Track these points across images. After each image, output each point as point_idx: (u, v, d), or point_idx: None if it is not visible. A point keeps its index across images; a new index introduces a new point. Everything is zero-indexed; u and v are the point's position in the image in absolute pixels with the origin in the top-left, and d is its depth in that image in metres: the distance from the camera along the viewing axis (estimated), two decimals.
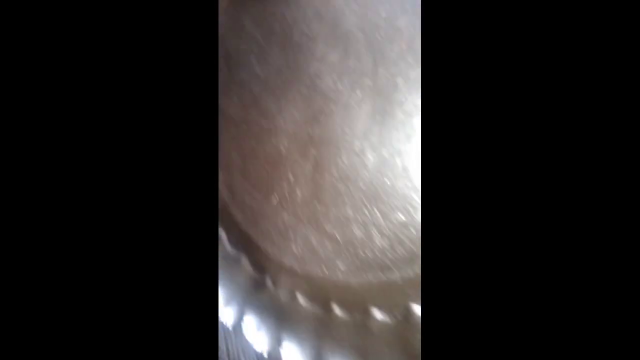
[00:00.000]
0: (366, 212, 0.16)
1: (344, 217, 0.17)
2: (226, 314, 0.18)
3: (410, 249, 0.15)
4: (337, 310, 0.17)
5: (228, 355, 0.18)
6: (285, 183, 0.18)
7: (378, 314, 0.16)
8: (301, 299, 0.18)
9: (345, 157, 0.17)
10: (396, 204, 0.16)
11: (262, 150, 0.19)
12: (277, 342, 0.17)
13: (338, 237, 0.17)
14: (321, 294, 0.17)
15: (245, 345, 0.17)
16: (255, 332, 0.18)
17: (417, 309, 0.15)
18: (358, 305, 0.16)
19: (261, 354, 0.17)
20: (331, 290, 0.17)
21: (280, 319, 0.18)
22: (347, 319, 0.17)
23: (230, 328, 0.18)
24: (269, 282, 0.19)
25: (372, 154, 0.16)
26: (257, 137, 0.19)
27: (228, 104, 0.19)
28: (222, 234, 0.20)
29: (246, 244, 0.19)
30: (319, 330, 0.17)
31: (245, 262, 0.19)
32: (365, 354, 0.15)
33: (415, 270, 0.15)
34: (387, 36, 0.16)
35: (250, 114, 0.19)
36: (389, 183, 0.16)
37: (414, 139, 0.15)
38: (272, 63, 0.18)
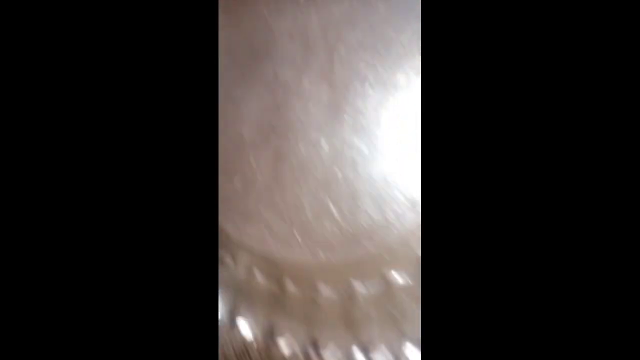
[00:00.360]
0: (318, 199, 0.18)
1: (299, 203, 0.18)
2: None
3: (354, 233, 0.17)
4: (290, 286, 0.19)
5: None
6: (248, 169, 0.19)
7: (325, 290, 0.18)
8: (258, 276, 0.19)
9: (302, 147, 0.18)
10: (344, 192, 0.18)
11: (227, 136, 0.20)
12: (234, 314, 0.19)
13: (293, 221, 0.19)
14: (276, 271, 0.19)
15: None
16: (228, 311, 0.19)
17: (357, 284, 0.17)
18: (308, 282, 0.18)
19: (219, 323, 0.19)
20: (285, 268, 0.19)
21: (238, 293, 0.19)
22: (297, 294, 0.19)
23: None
24: (229, 260, 0.20)
25: (325, 145, 0.18)
26: (223, 122, 0.20)
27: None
28: None
29: None
30: (272, 303, 0.19)
31: None
32: (313, 325, 0.18)
33: (357, 252, 0.17)
34: (342, 34, 0.17)
35: (221, 98, 0.20)
36: (339, 173, 0.18)
37: (361, 133, 0.17)
38: (239, 52, 0.19)
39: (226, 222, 0.20)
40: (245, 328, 0.19)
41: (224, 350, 0.19)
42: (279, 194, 0.19)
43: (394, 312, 0.16)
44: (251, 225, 0.20)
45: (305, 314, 0.18)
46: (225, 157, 0.20)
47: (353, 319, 0.17)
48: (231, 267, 0.20)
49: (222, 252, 0.20)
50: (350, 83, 0.17)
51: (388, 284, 0.17)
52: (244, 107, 0.19)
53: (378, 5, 0.16)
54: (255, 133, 0.19)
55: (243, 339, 0.19)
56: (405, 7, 0.16)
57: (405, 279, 0.17)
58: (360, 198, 0.17)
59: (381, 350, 0.16)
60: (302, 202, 0.18)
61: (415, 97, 0.16)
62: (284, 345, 0.18)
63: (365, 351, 0.16)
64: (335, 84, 0.17)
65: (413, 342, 0.15)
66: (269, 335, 0.18)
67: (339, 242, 0.18)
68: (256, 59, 0.19)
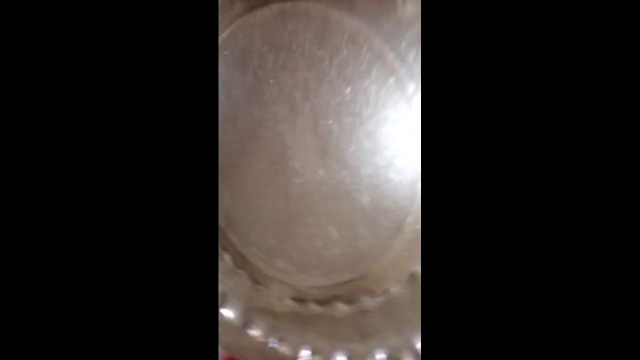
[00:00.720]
0: (325, 229, 0.21)
1: (310, 234, 0.22)
2: (234, 315, 0.24)
3: (355, 254, 0.20)
4: (313, 306, 0.22)
5: (236, 348, 0.24)
6: (266, 210, 0.23)
7: (340, 305, 0.21)
8: (287, 301, 0.23)
9: (306, 187, 0.22)
10: (344, 221, 0.21)
11: (245, 186, 0.24)
12: (272, 334, 0.23)
13: (308, 251, 0.22)
14: (301, 295, 0.23)
15: (250, 339, 0.23)
16: (256, 327, 0.23)
17: (365, 298, 0.20)
18: (326, 300, 0.22)
19: (262, 344, 0.23)
20: (307, 291, 0.22)
21: (274, 317, 0.23)
22: (320, 311, 0.22)
23: (240, 326, 0.24)
24: (263, 290, 0.24)
25: (323, 183, 0.21)
26: (241, 175, 0.24)
27: (220, 149, 0.24)
28: (225, 254, 0.26)
29: (242, 261, 0.25)
30: (301, 321, 0.22)
31: (244, 275, 0.25)
32: (334, 334, 0.21)
33: (361, 270, 0.20)
34: (321, 92, 0.20)
35: (234, 157, 0.24)
36: (336, 205, 0.21)
37: (348, 170, 0.20)
38: (243, 116, 0.23)
39: (255, 259, 0.24)
40: (282, 346, 0.22)
41: None
42: (293, 229, 0.22)
43: (398, 320, 0.19)
44: (276, 259, 0.23)
45: (327, 327, 0.21)
46: (247, 204, 0.24)
47: (363, 324, 0.20)
48: (267, 295, 0.24)
49: (257, 285, 0.24)
50: (332, 131, 0.20)
51: (390, 296, 0.19)
52: (254, 160, 0.23)
53: (346, 67, 0.20)
54: (267, 181, 0.23)
55: (279, 356, 0.22)
56: (376, 60, 0.19)
57: (402, 290, 0.19)
58: (357, 225, 0.20)
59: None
60: (313, 233, 0.22)
61: (388, 137, 0.19)
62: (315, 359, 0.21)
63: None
64: (319, 134, 0.21)
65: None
66: (300, 351, 0.21)
67: (345, 264, 0.21)
68: (258, 121, 0.23)
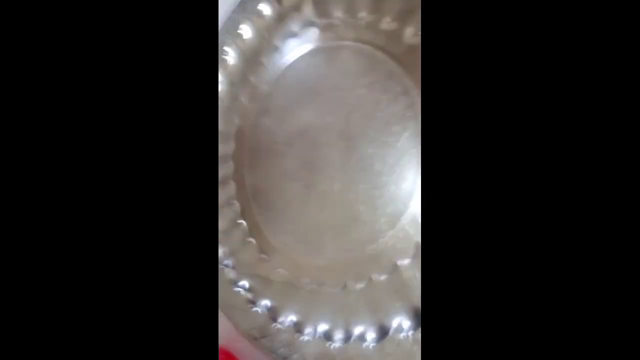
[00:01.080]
0: (335, 216, 0.26)
1: (321, 220, 0.26)
2: (233, 276, 0.28)
3: (361, 239, 0.24)
4: (306, 282, 0.26)
5: (225, 305, 0.27)
6: (289, 191, 0.28)
7: (328, 286, 0.25)
8: (284, 272, 0.27)
9: (324, 179, 0.27)
10: (352, 210, 0.25)
11: (278, 168, 0.29)
12: (262, 298, 0.26)
13: (316, 233, 0.26)
14: (296, 271, 0.26)
15: (240, 299, 0.27)
16: (248, 290, 0.27)
17: (351, 282, 0.24)
18: (317, 278, 0.25)
19: (250, 306, 0.26)
20: (304, 268, 0.26)
21: (268, 284, 0.27)
22: (310, 285, 0.25)
23: (235, 286, 0.27)
24: (265, 259, 0.28)
25: (339, 179, 0.26)
26: (277, 159, 0.29)
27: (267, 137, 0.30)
28: (243, 221, 0.30)
29: (256, 230, 0.29)
30: (290, 292, 0.26)
31: (253, 243, 0.29)
32: (313, 310, 0.24)
33: (365, 252, 0.24)
34: (355, 111, 0.26)
35: (277, 145, 0.30)
36: (346, 198, 0.25)
37: (362, 172, 0.25)
38: (289, 115, 0.29)
39: (269, 231, 0.29)
40: (268, 311, 0.26)
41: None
42: (307, 213, 0.27)
43: (376, 302, 0.22)
44: (286, 236, 0.28)
45: (313, 303, 0.24)
46: (275, 184, 0.29)
47: (343, 304, 0.23)
48: (267, 264, 0.28)
49: (262, 254, 0.28)
50: (359, 141, 0.25)
51: (372, 283, 0.23)
52: (290, 149, 0.29)
53: (380, 95, 0.25)
54: (295, 168, 0.28)
55: (262, 318, 0.26)
56: (403, 93, 0.24)
57: (384, 278, 0.22)
58: (362, 214, 0.24)
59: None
60: (323, 220, 0.26)
61: (401, 149, 0.23)
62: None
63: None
64: (346, 136, 0.26)
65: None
66: (280, 313, 0.25)
67: (350, 246, 0.24)
68: (304, 121, 0.28)
